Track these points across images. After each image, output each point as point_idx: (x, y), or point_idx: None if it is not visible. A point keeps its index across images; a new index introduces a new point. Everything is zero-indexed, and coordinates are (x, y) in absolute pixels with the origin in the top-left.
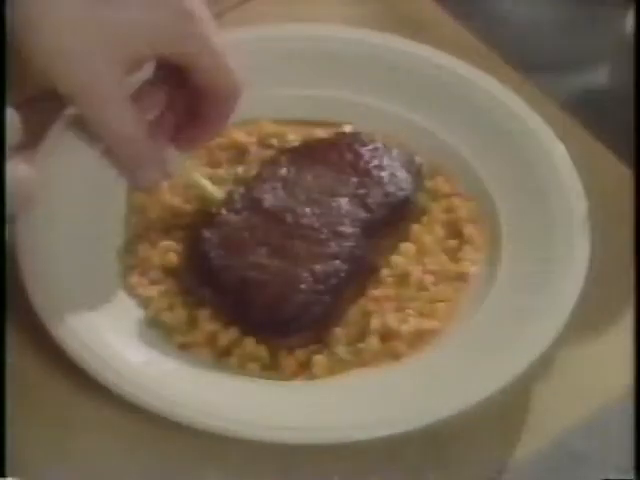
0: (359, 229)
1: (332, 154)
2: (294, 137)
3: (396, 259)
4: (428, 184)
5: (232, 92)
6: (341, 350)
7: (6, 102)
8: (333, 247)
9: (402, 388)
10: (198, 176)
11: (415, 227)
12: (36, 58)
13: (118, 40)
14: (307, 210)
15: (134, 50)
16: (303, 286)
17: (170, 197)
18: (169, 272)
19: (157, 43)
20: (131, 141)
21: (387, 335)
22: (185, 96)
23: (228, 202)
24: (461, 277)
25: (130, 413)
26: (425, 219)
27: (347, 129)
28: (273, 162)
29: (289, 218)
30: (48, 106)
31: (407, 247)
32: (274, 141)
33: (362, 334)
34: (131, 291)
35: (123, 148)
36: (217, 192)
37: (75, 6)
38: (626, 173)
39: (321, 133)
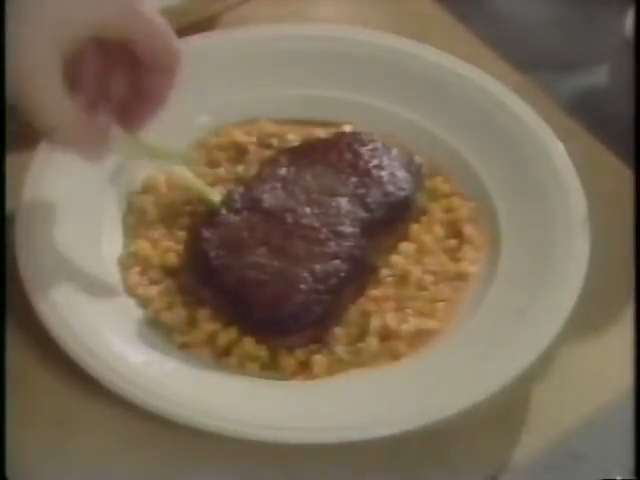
0: (359, 229)
1: (332, 154)
2: (294, 137)
3: (396, 259)
4: (428, 184)
5: (173, 58)
6: (341, 350)
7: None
8: (333, 247)
9: (402, 388)
10: (193, 178)
11: (415, 227)
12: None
13: (63, 29)
14: (307, 210)
15: (75, 32)
16: (303, 286)
17: (170, 197)
18: (169, 272)
19: (98, 23)
20: (68, 128)
21: (387, 335)
22: (126, 73)
23: (228, 202)
24: (461, 277)
25: (130, 413)
26: (425, 219)
27: (347, 129)
28: (273, 162)
29: (289, 218)
30: None
31: (407, 247)
32: (274, 141)
33: (362, 334)
34: (131, 291)
35: (60, 135)
36: (214, 193)
37: (29, 12)
38: (626, 173)
39: (321, 133)
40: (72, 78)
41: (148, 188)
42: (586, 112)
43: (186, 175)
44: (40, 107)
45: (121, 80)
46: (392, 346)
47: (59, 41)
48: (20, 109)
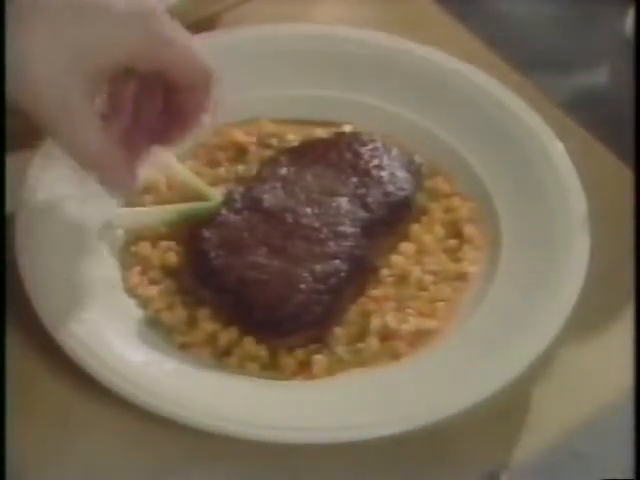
0: (359, 229)
1: (332, 154)
2: (294, 137)
3: (396, 259)
4: (428, 184)
5: (206, 79)
6: (341, 350)
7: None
8: (333, 247)
9: (402, 388)
10: (193, 178)
11: (415, 227)
12: (11, 92)
13: (86, 57)
14: (307, 210)
15: (103, 64)
16: (303, 286)
17: (170, 197)
18: (169, 272)
19: (127, 54)
20: (99, 161)
21: (387, 335)
22: (160, 92)
23: (228, 202)
24: (461, 277)
25: (130, 413)
26: (425, 219)
27: (347, 129)
28: (273, 162)
29: (289, 218)
30: None
31: (407, 247)
32: (274, 141)
33: (362, 334)
34: (131, 291)
35: (91, 166)
36: (214, 193)
37: (41, 29)
38: (626, 173)
39: (321, 133)
40: (110, 105)
41: (148, 188)
42: (586, 112)
43: (186, 175)
44: (73, 142)
45: (156, 101)
46: (392, 346)
47: (85, 73)
48: (28, 116)
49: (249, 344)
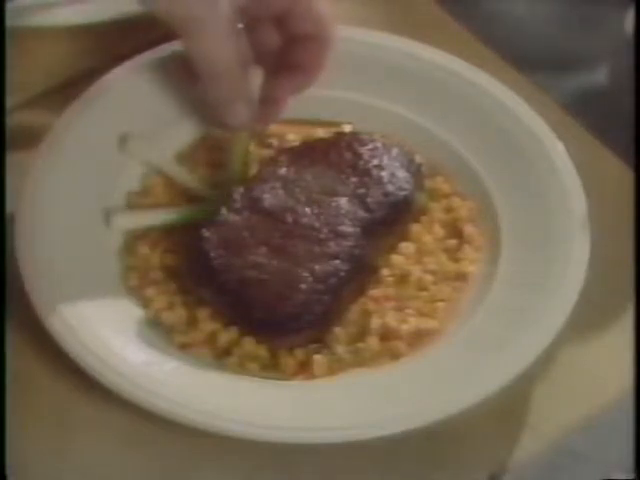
0: (359, 229)
1: (332, 154)
2: (294, 137)
3: (396, 259)
4: (428, 184)
5: (327, 31)
6: (341, 350)
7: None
8: (333, 247)
9: (402, 388)
10: (192, 178)
11: (415, 227)
12: None
13: None
14: (307, 210)
15: None
16: (303, 286)
17: (169, 197)
18: (169, 272)
19: None
20: (230, 72)
21: (387, 335)
22: (276, 44)
23: (228, 202)
24: (461, 277)
25: (130, 413)
26: (425, 219)
27: (347, 129)
28: (273, 162)
29: (289, 218)
30: (48, 106)
31: (407, 247)
32: (274, 141)
33: (362, 334)
34: (131, 291)
35: (221, 79)
36: (214, 194)
37: None
38: (626, 173)
39: (321, 133)
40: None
41: (147, 190)
42: (586, 112)
43: (185, 176)
44: (206, 47)
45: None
46: (392, 346)
47: None
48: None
49: (249, 344)
